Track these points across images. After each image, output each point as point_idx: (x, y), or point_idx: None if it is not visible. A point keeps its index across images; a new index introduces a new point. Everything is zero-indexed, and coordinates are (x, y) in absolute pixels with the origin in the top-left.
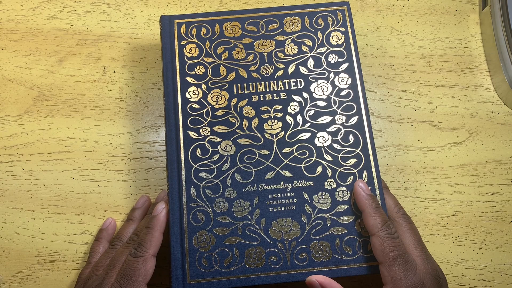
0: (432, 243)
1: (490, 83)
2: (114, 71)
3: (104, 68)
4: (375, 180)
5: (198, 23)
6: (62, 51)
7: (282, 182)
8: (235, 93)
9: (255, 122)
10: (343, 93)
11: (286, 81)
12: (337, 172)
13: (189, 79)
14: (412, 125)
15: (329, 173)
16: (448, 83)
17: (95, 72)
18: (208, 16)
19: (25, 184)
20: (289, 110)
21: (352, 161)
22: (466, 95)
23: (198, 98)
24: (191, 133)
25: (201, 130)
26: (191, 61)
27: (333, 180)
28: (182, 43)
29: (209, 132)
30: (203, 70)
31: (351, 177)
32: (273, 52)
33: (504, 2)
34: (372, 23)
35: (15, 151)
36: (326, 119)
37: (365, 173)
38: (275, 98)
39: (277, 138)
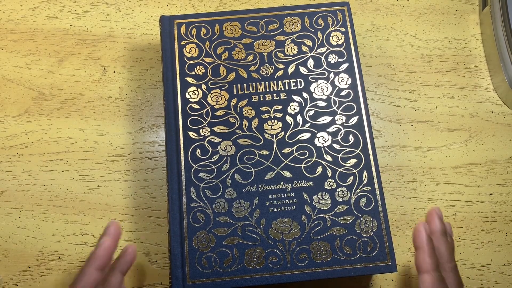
0: None
1: (490, 83)
2: (114, 71)
3: (104, 68)
4: (375, 181)
5: (198, 23)
6: (62, 51)
7: (282, 183)
8: (235, 93)
9: (255, 122)
10: (343, 93)
11: (286, 81)
12: (337, 173)
13: (189, 79)
14: (412, 125)
15: (329, 173)
16: (448, 83)
17: (95, 72)
18: (208, 17)
19: (25, 184)
20: (289, 110)
21: (352, 161)
22: (466, 95)
23: (198, 98)
24: (191, 134)
25: (201, 131)
26: (191, 61)
27: (333, 181)
28: (182, 43)
29: (209, 133)
30: (203, 70)
31: (351, 177)
32: (273, 52)
33: (504, 2)
34: (372, 23)
35: (15, 151)
36: (326, 119)
37: (365, 173)
38: (275, 98)
39: (277, 138)
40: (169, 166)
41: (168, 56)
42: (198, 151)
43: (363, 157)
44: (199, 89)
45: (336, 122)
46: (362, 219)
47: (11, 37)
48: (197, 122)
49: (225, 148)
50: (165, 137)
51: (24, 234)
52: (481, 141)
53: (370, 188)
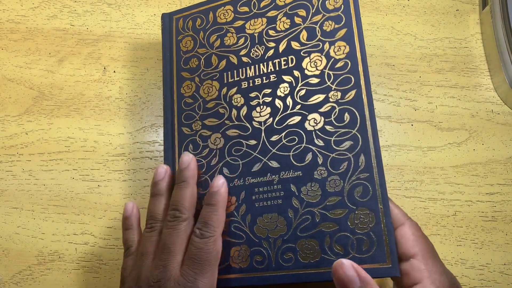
0: (432, 243)
1: (490, 83)
2: (114, 71)
3: (104, 68)
4: (374, 165)
5: (194, 15)
6: (62, 51)
7: (268, 174)
8: (225, 82)
9: (244, 110)
10: (339, 64)
11: (277, 60)
12: (329, 159)
13: (184, 74)
14: (412, 125)
15: (320, 160)
16: (448, 83)
17: (95, 72)
18: (203, 6)
19: (25, 184)
20: (278, 93)
21: (347, 144)
22: (466, 95)
23: (192, 92)
24: (184, 129)
25: (193, 125)
26: (186, 55)
27: (324, 169)
28: (179, 38)
29: (200, 126)
30: (197, 63)
31: (345, 163)
32: (264, 31)
33: (504, 2)
34: (372, 23)
35: (15, 151)
36: (318, 98)
37: (362, 157)
38: (264, 81)
39: (265, 125)
40: (165, 163)
41: (167, 53)
42: (191, 146)
43: (360, 138)
44: (192, 83)
45: (330, 99)
46: (356, 212)
47: (11, 36)
48: (190, 116)
49: (215, 141)
50: (163, 135)
51: (24, 233)
52: (481, 141)
53: (368, 174)
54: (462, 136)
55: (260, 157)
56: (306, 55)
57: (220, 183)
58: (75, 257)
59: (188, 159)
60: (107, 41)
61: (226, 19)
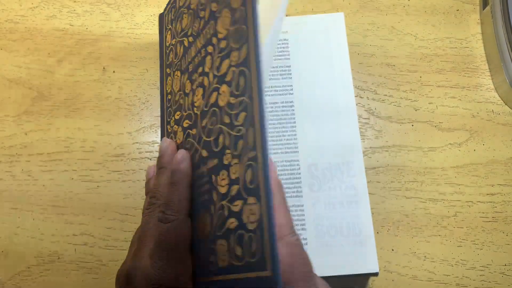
0: (432, 244)
1: (491, 83)
2: (114, 71)
3: (104, 68)
4: (257, 146)
5: (171, 7)
6: (61, 51)
7: (201, 166)
8: (182, 69)
9: (190, 97)
10: (237, 15)
11: (205, 31)
12: (231, 138)
13: (167, 70)
14: (412, 125)
15: (227, 141)
16: (449, 83)
17: (94, 72)
18: None
19: (24, 184)
20: (205, 69)
21: (242, 116)
22: (467, 95)
23: (170, 88)
24: (168, 127)
25: (171, 122)
26: (167, 50)
27: (229, 151)
28: (165, 34)
29: (174, 122)
30: (172, 56)
31: (241, 141)
32: (199, 1)
33: (504, 2)
34: (373, 23)
35: (14, 151)
36: (225, 64)
37: (251, 131)
38: (199, 59)
39: (200, 110)
40: None
41: (162, 52)
42: None
43: (251, 106)
44: (170, 77)
45: (231, 63)
46: (248, 202)
47: (10, 36)
48: (170, 113)
49: (178, 136)
50: (160, 135)
51: (24, 234)
52: (482, 141)
53: (254, 153)
54: (463, 137)
55: (198, 147)
56: (219, 15)
57: (179, 158)
58: (75, 258)
59: (166, 145)
60: (107, 41)
61: (185, 1)
